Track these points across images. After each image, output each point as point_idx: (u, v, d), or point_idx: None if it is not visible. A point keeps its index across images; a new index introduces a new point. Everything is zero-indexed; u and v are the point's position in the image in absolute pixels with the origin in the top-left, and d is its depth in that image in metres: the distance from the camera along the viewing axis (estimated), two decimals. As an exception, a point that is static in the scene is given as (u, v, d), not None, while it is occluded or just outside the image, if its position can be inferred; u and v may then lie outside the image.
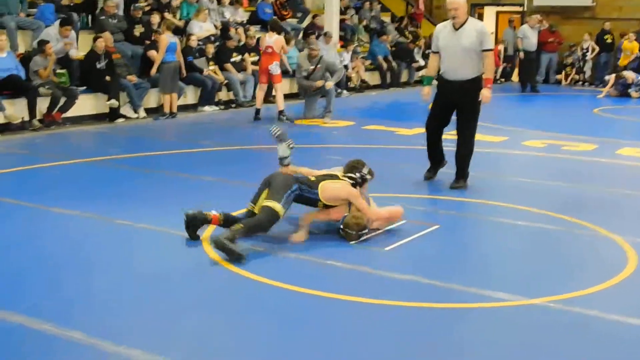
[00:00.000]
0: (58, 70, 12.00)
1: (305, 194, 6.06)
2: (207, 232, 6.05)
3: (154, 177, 8.40)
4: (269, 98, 15.31)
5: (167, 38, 12.88)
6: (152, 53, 13.25)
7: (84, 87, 12.52)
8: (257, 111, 13.29)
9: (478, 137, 11.47)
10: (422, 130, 12.07)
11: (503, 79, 22.20)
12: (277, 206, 5.83)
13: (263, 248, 5.77)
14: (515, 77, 21.32)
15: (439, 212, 6.90)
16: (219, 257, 5.51)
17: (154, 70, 13.13)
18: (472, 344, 4.22)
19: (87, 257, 5.55)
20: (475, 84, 7.75)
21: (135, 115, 12.92)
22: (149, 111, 13.23)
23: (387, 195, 7.40)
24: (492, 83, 7.85)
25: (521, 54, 19.18)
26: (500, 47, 21.05)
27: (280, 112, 13.14)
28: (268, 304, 4.75)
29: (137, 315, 4.53)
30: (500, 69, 22.29)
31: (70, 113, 11.97)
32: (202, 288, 5.03)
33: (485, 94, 7.71)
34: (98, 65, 12.47)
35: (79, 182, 8.14)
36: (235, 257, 5.44)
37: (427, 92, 8.22)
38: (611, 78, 18.06)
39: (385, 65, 19.54)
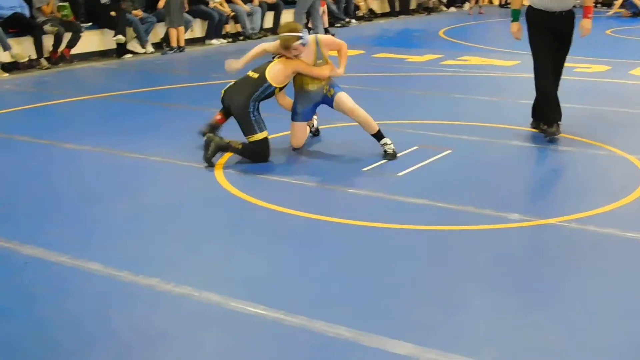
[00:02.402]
0: (60, 3, 11.84)
1: (262, 96, 6.15)
2: (220, 160, 6.06)
3: (165, 111, 8.37)
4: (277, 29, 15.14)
5: (170, -28, 12.69)
6: (157, -14, 13.08)
7: (90, 23, 12.39)
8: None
9: (489, 61, 11.46)
10: (434, 56, 12.10)
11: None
12: (255, 136, 6.04)
13: (277, 178, 5.77)
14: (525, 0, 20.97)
15: (451, 136, 6.86)
16: (232, 186, 5.52)
17: (161, 3, 12.96)
18: (488, 265, 4.24)
19: (101, 190, 5.57)
20: (573, 13, 6.74)
21: (143, 50, 12.81)
22: (156, 46, 13.11)
23: (397, 122, 7.36)
24: (592, 12, 6.84)
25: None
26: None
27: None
28: (285, 231, 4.78)
29: (154, 245, 4.56)
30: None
31: (77, 50, 11.88)
32: (217, 217, 5.04)
33: (585, 25, 6.74)
34: (103, 1, 12.32)
35: (90, 118, 8.13)
36: (205, 159, 5.91)
37: (518, 29, 7.01)
38: None
39: None
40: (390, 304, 3.76)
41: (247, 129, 6.06)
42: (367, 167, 5.97)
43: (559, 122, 6.74)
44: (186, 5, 13.30)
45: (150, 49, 12.90)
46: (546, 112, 6.78)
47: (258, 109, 6.15)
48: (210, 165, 5.91)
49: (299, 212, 5.02)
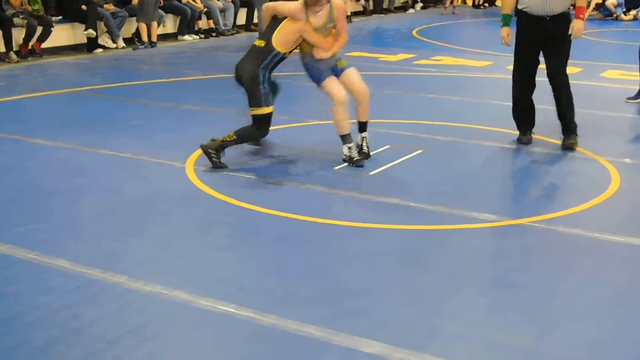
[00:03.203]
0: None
1: (272, 65, 6.05)
2: (191, 157, 6.02)
3: (136, 107, 8.30)
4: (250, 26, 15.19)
5: (144, -35, 12.59)
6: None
7: (60, 17, 12.26)
8: None
9: (462, 62, 11.51)
10: (406, 55, 12.13)
11: (487, 4, 22.01)
12: (260, 109, 5.91)
13: (250, 176, 5.75)
14: (498, 2, 21.12)
15: (423, 136, 6.88)
16: (203, 184, 5.49)
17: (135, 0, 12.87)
18: (458, 264, 4.25)
19: (72, 186, 5.51)
20: (567, 18, 6.45)
21: (114, 45, 12.70)
22: (127, 41, 13.00)
23: (371, 121, 7.36)
24: (584, 13, 6.54)
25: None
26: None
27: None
28: (256, 229, 4.75)
29: (123, 243, 4.51)
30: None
31: (47, 44, 11.76)
32: (187, 215, 5.01)
33: (576, 26, 6.36)
34: (74, -6, 12.20)
35: (59, 113, 8.04)
36: (217, 166, 5.78)
37: (508, 34, 6.65)
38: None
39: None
40: (362, 303, 3.76)
41: (255, 101, 5.89)
42: (339, 166, 5.97)
43: (531, 130, 6.75)
44: (161, 0, 13.21)
45: (121, 43, 12.80)
46: (517, 120, 6.79)
47: (269, 79, 6.02)
48: (223, 167, 5.83)
49: (270, 211, 5.00)
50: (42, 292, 3.85)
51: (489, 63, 11.31)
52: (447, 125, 7.32)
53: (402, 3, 21.11)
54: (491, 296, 3.89)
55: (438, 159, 6.29)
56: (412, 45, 13.81)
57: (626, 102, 8.45)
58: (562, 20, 6.41)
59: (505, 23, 6.67)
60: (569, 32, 6.36)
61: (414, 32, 15.76)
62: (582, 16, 6.40)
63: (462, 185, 5.67)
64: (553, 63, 6.51)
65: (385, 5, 20.22)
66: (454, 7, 20.59)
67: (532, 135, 6.76)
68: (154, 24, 12.98)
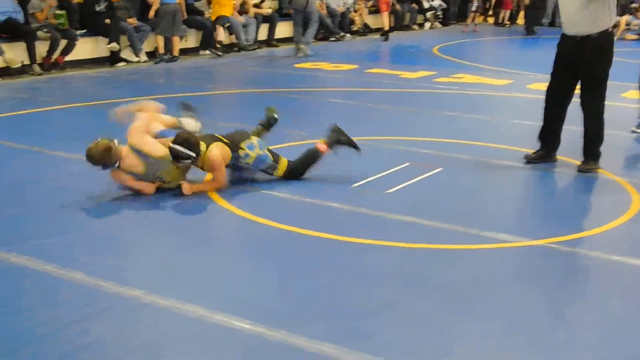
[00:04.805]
0: (56, 12, 11.81)
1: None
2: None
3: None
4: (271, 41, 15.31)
5: (164, -20, 12.72)
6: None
7: (84, 30, 12.37)
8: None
9: (482, 80, 11.48)
10: (427, 73, 12.13)
11: (509, 22, 22.00)
12: (280, 167, 5.94)
13: (266, 192, 5.75)
14: (520, 20, 21.08)
15: (442, 154, 6.85)
16: (221, 199, 5.49)
17: (151, 13, 12.97)
18: (473, 285, 4.22)
19: (88, 199, 5.53)
20: (599, 40, 6.16)
21: (136, 59, 12.80)
22: (149, 55, 13.09)
23: (390, 137, 7.36)
24: None
25: (526, 0, 19.00)
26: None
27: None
28: (269, 245, 4.75)
29: (140, 257, 4.52)
30: (508, 12, 22.08)
31: (70, 57, 11.87)
32: (204, 229, 5.02)
33: None
34: (97, 8, 12.32)
35: (79, 126, 8.08)
36: None
37: None
38: (621, 20, 17.78)
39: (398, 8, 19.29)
40: (372, 321, 3.73)
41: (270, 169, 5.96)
42: (356, 183, 5.95)
43: (540, 151, 6.62)
44: (184, 14, 13.30)
45: (143, 57, 12.89)
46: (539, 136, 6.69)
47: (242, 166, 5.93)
48: None
49: (285, 226, 4.99)
50: (55, 305, 3.86)
51: (510, 82, 11.27)
52: (466, 144, 7.28)
53: (423, 20, 21.12)
54: (505, 318, 3.85)
55: (457, 177, 6.25)
56: (432, 62, 13.80)
57: (632, 132, 8.01)
58: (595, 43, 6.13)
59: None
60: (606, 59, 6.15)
61: (434, 50, 15.75)
62: None
63: (480, 205, 5.63)
64: (583, 88, 6.33)
65: (405, 22, 20.24)
66: (475, 24, 20.57)
67: (536, 155, 6.60)
68: (176, 38, 13.06)
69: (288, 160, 5.97)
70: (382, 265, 4.45)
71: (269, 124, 6.43)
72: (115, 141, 5.49)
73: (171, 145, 5.49)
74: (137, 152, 5.53)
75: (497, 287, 4.22)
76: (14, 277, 4.19)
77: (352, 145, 6.23)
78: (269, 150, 5.95)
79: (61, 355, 3.38)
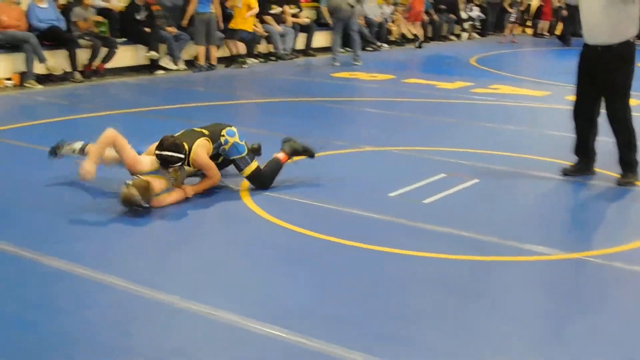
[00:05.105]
0: (95, 17, 11.97)
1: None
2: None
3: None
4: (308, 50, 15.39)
5: (199, -11, 12.83)
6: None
7: (124, 39, 12.54)
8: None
9: (520, 91, 11.40)
10: (464, 83, 12.08)
11: (548, 33, 21.86)
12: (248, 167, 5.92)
13: (302, 200, 5.77)
14: (559, 31, 20.92)
15: (478, 165, 6.82)
16: (256, 206, 5.52)
17: (185, 22, 13.11)
18: (508, 297, 4.19)
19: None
20: (621, 50, 6.12)
21: (175, 67, 12.93)
22: (188, 63, 13.22)
23: (426, 148, 7.34)
24: None
25: (564, 12, 18.87)
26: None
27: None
28: (305, 253, 4.76)
29: (175, 262, 4.56)
30: (547, 23, 21.95)
31: (110, 64, 12.04)
32: (239, 236, 5.04)
33: None
34: (138, 17, 12.49)
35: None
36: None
37: None
38: None
39: (426, 18, 19.28)
40: (407, 331, 3.73)
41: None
42: (392, 193, 5.94)
43: (579, 164, 6.53)
44: (220, 24, 13.41)
45: (182, 66, 13.03)
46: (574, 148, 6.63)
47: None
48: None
49: (320, 235, 5.00)
50: (93, 308, 3.91)
51: (547, 93, 11.18)
52: (502, 155, 7.24)
53: (460, 31, 21.06)
54: (540, 329, 3.81)
55: (493, 189, 6.22)
56: (469, 73, 13.75)
57: None
58: (615, 52, 6.10)
59: None
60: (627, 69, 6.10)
61: (471, 60, 15.70)
62: None
63: (516, 217, 5.59)
64: (605, 98, 6.30)
65: (443, 32, 20.20)
66: (514, 35, 20.46)
67: (573, 168, 6.52)
68: (212, 47, 13.17)
69: (258, 165, 5.99)
70: (417, 274, 4.44)
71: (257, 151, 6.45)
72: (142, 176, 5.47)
73: (157, 152, 5.53)
74: (152, 172, 5.58)
75: (533, 299, 4.19)
76: (48, 279, 4.25)
77: (308, 152, 6.27)
78: (247, 146, 5.99)
79: (97, 357, 3.41)
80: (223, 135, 5.90)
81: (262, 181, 5.99)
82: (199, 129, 5.93)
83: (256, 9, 13.66)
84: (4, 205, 5.49)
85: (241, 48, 13.69)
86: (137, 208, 5.29)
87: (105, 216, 5.31)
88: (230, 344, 3.58)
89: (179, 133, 5.87)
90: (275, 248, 4.83)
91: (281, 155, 6.14)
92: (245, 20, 13.57)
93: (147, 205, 5.34)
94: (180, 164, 5.59)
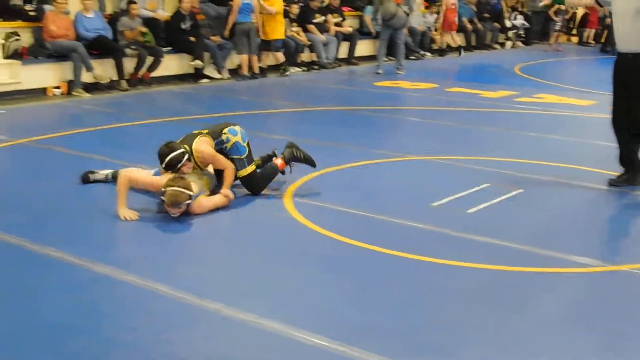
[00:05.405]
0: (141, 29, 12.15)
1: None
2: (290, 188, 6.11)
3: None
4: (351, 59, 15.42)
5: (239, -1, 12.94)
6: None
7: (169, 48, 12.70)
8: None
9: (565, 100, 11.29)
10: (508, 92, 12.00)
11: (594, 42, 21.60)
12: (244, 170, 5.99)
13: (346, 209, 5.78)
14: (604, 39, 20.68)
15: (522, 175, 6.76)
16: (300, 215, 5.55)
17: (226, 32, 13.22)
18: (551, 308, 4.14)
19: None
20: None
21: (219, 76, 13.05)
22: (232, 72, 13.34)
23: (469, 157, 7.31)
24: None
25: (608, 20, 18.63)
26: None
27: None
28: (349, 263, 4.76)
29: (221, 270, 4.61)
30: (592, 31, 21.70)
31: (155, 73, 12.20)
32: (284, 245, 5.06)
33: None
34: (183, 26, 12.63)
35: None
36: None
37: None
38: None
39: (470, 27, 19.18)
40: (449, 342, 3.71)
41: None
42: (435, 203, 5.93)
43: (624, 175, 6.45)
44: (260, 34, 13.48)
45: (226, 74, 13.14)
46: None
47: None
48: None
49: (363, 244, 5.00)
50: (139, 315, 3.97)
51: (593, 102, 11.04)
52: (547, 165, 7.17)
53: (504, 39, 20.91)
54: (583, 342, 3.77)
55: (537, 199, 6.16)
56: (513, 82, 13.65)
57: None
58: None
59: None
60: None
61: (516, 69, 15.57)
62: None
63: (561, 228, 5.53)
64: (635, 106, 6.24)
65: (487, 40, 20.08)
66: (559, 43, 20.26)
67: (620, 178, 6.44)
68: (254, 56, 13.24)
69: (255, 169, 6.04)
70: (459, 285, 4.42)
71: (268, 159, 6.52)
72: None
73: (162, 166, 5.61)
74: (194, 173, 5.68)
75: (578, 311, 4.14)
76: (99, 286, 4.32)
77: (308, 161, 6.29)
78: (249, 148, 6.02)
79: (144, 364, 3.47)
80: (225, 133, 5.95)
81: (256, 184, 6.05)
82: (197, 131, 5.99)
83: (275, 9, 13.49)
84: (51, 212, 5.60)
85: (279, 57, 13.72)
86: (187, 203, 5.34)
87: (150, 223, 5.38)
88: (273, 352, 3.60)
89: (179, 140, 5.90)
90: (318, 257, 4.85)
91: (279, 162, 6.20)
92: (275, 29, 13.57)
93: (192, 200, 5.39)
94: (187, 157, 5.64)
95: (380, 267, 4.70)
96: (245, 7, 12.94)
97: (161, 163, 5.64)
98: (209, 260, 4.78)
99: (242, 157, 5.96)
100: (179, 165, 5.62)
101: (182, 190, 5.32)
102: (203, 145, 5.79)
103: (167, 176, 5.55)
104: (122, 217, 5.42)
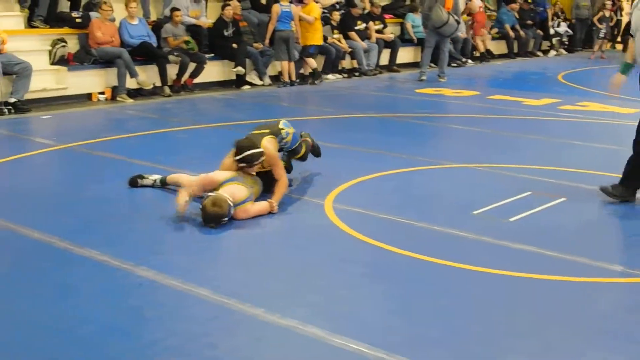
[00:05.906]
0: (185, 38, 12.29)
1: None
2: (331, 194, 6.13)
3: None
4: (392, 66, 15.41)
5: (278, 7, 13.01)
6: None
7: (212, 54, 12.82)
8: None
9: (609, 108, 11.13)
10: (551, 100, 11.89)
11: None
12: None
13: (386, 215, 5.78)
14: None
15: (565, 183, 6.69)
16: (340, 221, 5.56)
17: (266, 41, 13.30)
18: (594, 319, 4.10)
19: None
20: None
21: (261, 82, 13.14)
22: (273, 79, 13.41)
23: (511, 166, 7.26)
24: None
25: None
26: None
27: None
28: (389, 270, 4.76)
29: (262, 275, 4.63)
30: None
31: (198, 79, 12.34)
32: (324, 251, 5.08)
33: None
34: (225, 33, 12.75)
35: (206, 146, 8.37)
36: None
37: (617, 82, 6.70)
38: None
39: (512, 34, 19.05)
40: (491, 351, 3.69)
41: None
42: (476, 211, 5.90)
43: (627, 191, 6.24)
44: (298, 40, 13.52)
45: (267, 81, 13.22)
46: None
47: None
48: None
49: (404, 251, 5.00)
50: (182, 319, 4.01)
51: (637, 110, 10.87)
52: (591, 174, 7.09)
53: (548, 47, 20.73)
54: (625, 356, 3.71)
55: (580, 208, 6.09)
56: (557, 89, 13.52)
57: None
58: None
59: (623, 71, 6.65)
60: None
61: (559, 77, 15.42)
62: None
63: (604, 237, 5.47)
64: None
65: (529, 48, 19.92)
66: (603, 51, 20.01)
67: (617, 192, 6.22)
68: (292, 64, 13.28)
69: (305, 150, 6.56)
70: (501, 293, 4.39)
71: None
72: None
73: (237, 157, 5.72)
74: (230, 180, 5.70)
75: (624, 323, 4.08)
76: (142, 290, 4.38)
77: (316, 150, 6.77)
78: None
79: (186, 367, 3.51)
80: (282, 129, 6.05)
81: (305, 157, 6.62)
82: (258, 132, 6.06)
83: (313, 17, 13.49)
84: (97, 217, 5.69)
85: (311, 63, 13.70)
86: (223, 220, 5.40)
87: (194, 229, 5.44)
88: (315, 359, 3.62)
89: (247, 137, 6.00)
90: (359, 264, 4.86)
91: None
92: (313, 35, 13.57)
93: (230, 217, 5.44)
94: (262, 158, 5.74)
95: (421, 275, 4.69)
96: (284, 15, 13.02)
97: (237, 154, 5.71)
98: (250, 266, 4.81)
99: (297, 143, 6.36)
100: (254, 163, 5.73)
101: (219, 209, 5.36)
102: (271, 145, 5.94)
103: (223, 175, 5.70)
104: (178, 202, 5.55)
